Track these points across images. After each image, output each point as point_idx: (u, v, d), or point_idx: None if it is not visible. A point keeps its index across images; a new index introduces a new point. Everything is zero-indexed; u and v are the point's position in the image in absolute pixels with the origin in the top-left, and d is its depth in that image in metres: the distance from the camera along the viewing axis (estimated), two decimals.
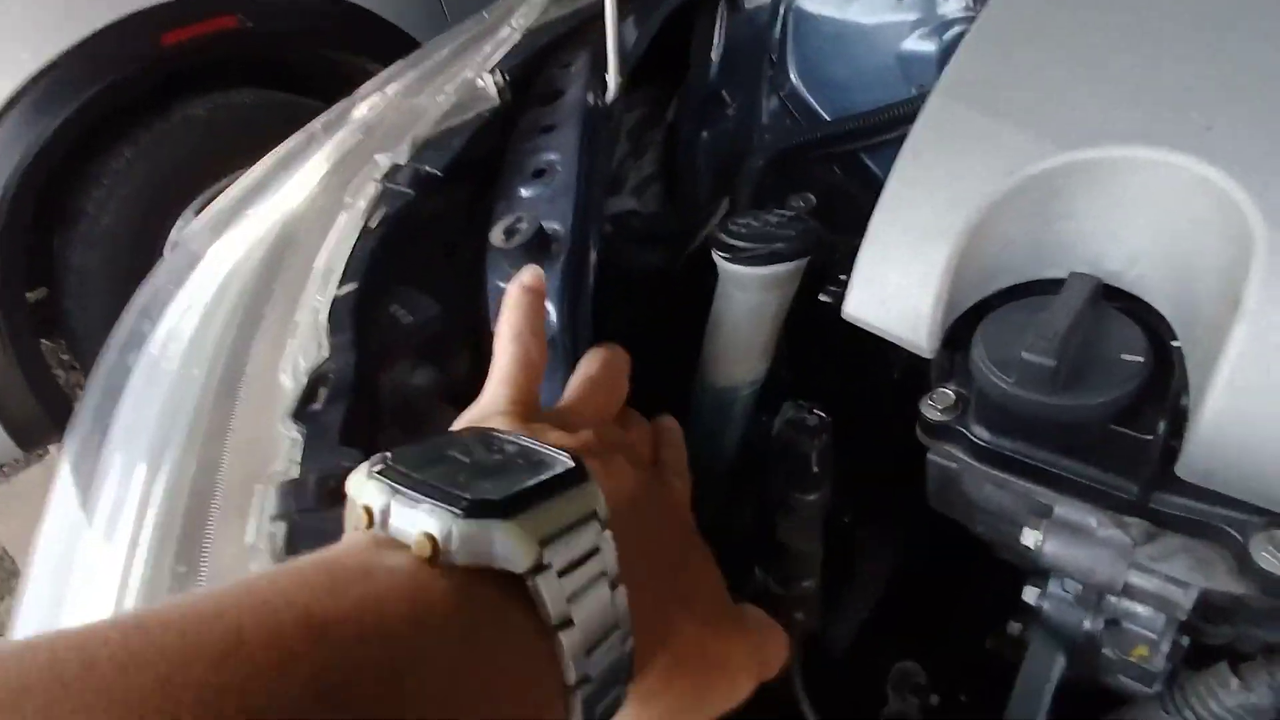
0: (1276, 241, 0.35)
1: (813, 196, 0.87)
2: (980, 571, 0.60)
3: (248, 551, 0.36)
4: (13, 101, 1.52)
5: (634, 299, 0.82)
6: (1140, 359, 0.40)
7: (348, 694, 0.19)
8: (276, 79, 1.89)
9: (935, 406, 0.48)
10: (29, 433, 1.67)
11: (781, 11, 0.91)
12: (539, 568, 0.23)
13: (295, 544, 0.36)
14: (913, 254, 0.46)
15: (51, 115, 1.58)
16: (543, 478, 0.25)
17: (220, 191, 1.91)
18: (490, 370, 0.40)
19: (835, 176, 0.89)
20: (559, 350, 0.49)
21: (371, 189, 0.54)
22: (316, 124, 0.66)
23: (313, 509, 0.36)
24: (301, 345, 0.44)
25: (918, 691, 0.57)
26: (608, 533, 0.26)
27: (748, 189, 0.83)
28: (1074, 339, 0.41)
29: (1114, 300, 0.45)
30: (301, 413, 0.40)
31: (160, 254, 1.74)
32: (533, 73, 0.68)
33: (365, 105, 0.65)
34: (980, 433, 0.47)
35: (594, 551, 0.25)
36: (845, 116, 0.88)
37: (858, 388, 0.67)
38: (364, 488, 0.25)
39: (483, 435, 0.29)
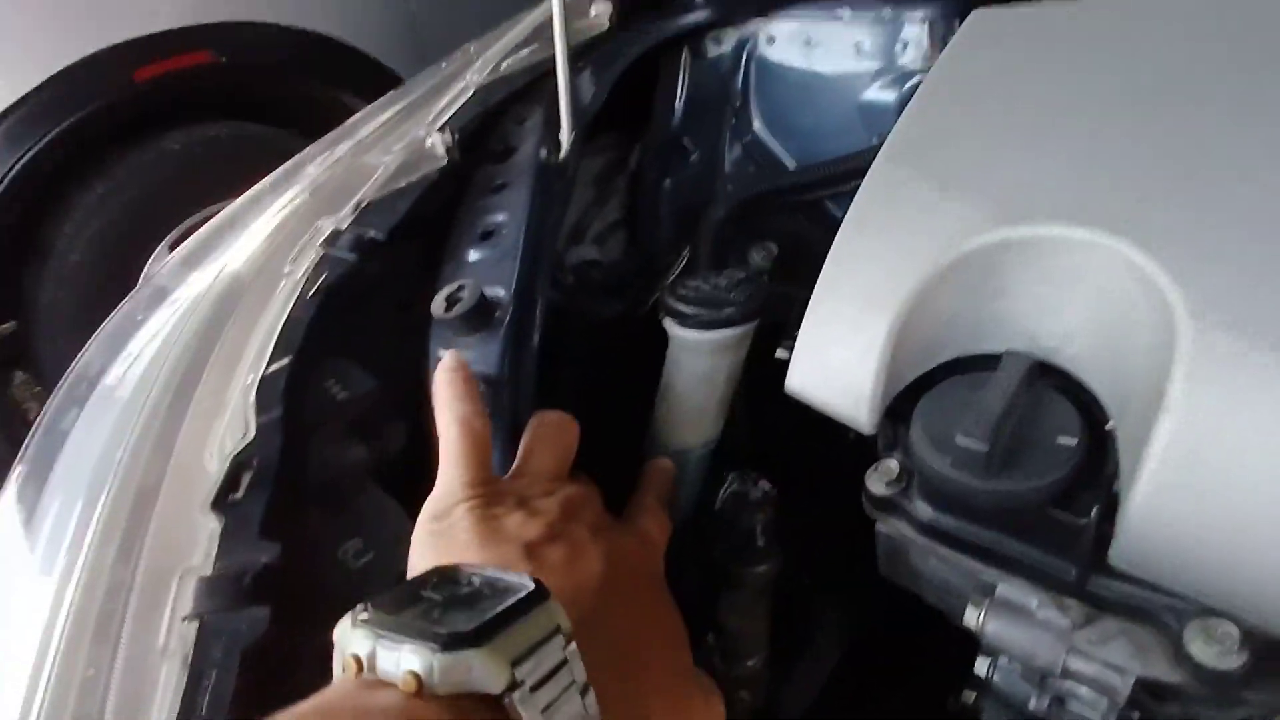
0: (1200, 336, 0.35)
1: (774, 246, 0.87)
2: (937, 638, 0.59)
3: (159, 654, 0.35)
4: None
5: (594, 349, 0.82)
6: (1074, 442, 0.40)
7: None
8: (252, 111, 1.88)
9: (880, 480, 0.48)
10: None
11: (744, 60, 0.91)
12: (513, 686, 0.26)
13: (206, 644, 0.35)
14: (853, 329, 0.46)
15: (21, 148, 1.57)
16: (508, 604, 0.28)
17: (196, 226, 1.90)
18: (440, 454, 0.41)
19: (799, 224, 0.89)
20: (501, 419, 0.48)
21: (312, 255, 0.53)
22: (266, 182, 0.66)
23: (225, 609, 0.35)
24: (229, 426, 0.43)
25: None
26: (572, 645, 0.29)
27: (709, 239, 0.83)
28: (1008, 422, 0.40)
29: (1053, 377, 0.45)
30: (221, 502, 0.39)
31: (132, 289, 1.72)
32: (486, 129, 0.67)
33: (314, 164, 0.64)
34: (923, 508, 0.46)
35: (562, 664, 0.28)
36: (807, 166, 0.88)
37: (816, 447, 0.66)
38: (350, 637, 0.28)
39: (450, 572, 0.31)
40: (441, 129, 0.62)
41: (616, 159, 1.00)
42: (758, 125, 0.92)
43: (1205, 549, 0.34)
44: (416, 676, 0.25)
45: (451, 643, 0.25)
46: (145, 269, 1.76)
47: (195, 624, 0.35)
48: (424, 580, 0.30)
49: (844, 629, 0.64)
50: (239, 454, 0.41)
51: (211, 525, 0.38)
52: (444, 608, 0.28)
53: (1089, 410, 0.42)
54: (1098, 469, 0.40)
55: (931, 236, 0.45)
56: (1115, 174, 0.42)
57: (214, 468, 0.41)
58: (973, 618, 0.45)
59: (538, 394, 0.69)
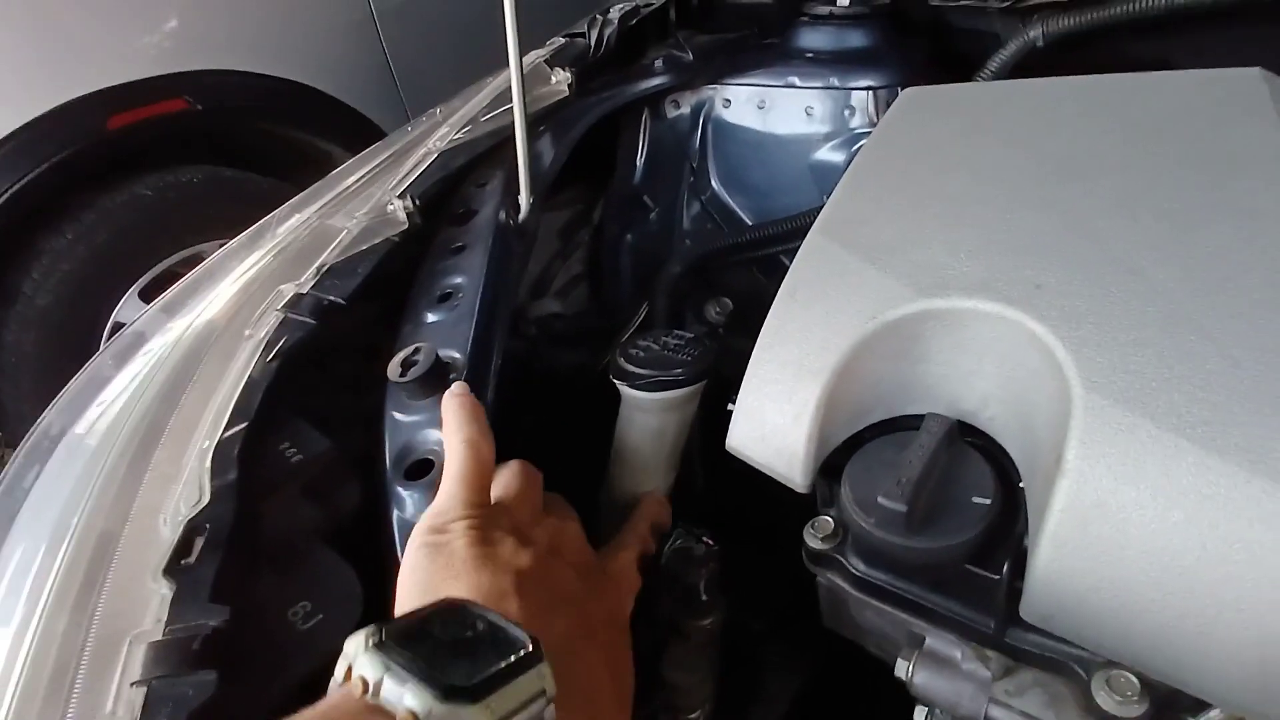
0: (1091, 404, 0.38)
1: (729, 301, 0.91)
2: (883, 688, 0.61)
3: (107, 718, 0.36)
4: None
5: (556, 397, 0.84)
6: (988, 502, 0.43)
7: None
8: (226, 156, 1.91)
9: (816, 535, 0.50)
10: None
11: (702, 121, 0.96)
12: None
13: (153, 709, 0.36)
14: (787, 393, 0.48)
15: None
16: (507, 662, 0.31)
17: (166, 273, 1.88)
18: (445, 470, 0.45)
19: (754, 279, 0.92)
20: None
21: (273, 319, 0.55)
22: (233, 244, 0.68)
23: (173, 674, 0.37)
24: (184, 490, 0.45)
25: None
26: (551, 707, 0.31)
27: (665, 294, 0.86)
28: (928, 482, 0.43)
29: (974, 437, 0.47)
30: (174, 567, 0.41)
31: (100, 335, 1.72)
32: (448, 192, 0.70)
33: (279, 228, 0.66)
34: (856, 563, 0.49)
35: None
36: (760, 224, 0.92)
37: (766, 497, 0.68)
38: (360, 659, 0.30)
39: (457, 612, 0.33)
40: (403, 195, 0.65)
41: (581, 212, 1.04)
42: (715, 183, 0.96)
43: (1100, 605, 0.37)
44: (414, 715, 0.28)
45: (450, 694, 0.28)
46: (113, 315, 1.75)
47: (143, 689, 0.36)
48: (432, 616, 0.32)
49: (794, 677, 0.66)
50: (193, 519, 0.43)
51: (163, 590, 0.40)
52: (450, 650, 0.30)
53: (1005, 470, 0.45)
54: (1010, 527, 0.43)
55: (858, 307, 0.48)
56: (1021, 253, 0.45)
57: (167, 533, 0.43)
58: (903, 669, 0.47)
59: (500, 440, 0.71)
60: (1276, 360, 0.36)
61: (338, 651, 0.42)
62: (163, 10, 1.76)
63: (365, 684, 0.29)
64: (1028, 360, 0.42)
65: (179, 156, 1.84)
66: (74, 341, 1.69)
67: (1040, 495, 0.40)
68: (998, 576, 0.42)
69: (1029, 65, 0.85)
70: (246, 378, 0.51)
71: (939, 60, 0.93)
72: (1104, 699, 0.39)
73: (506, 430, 0.76)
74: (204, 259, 1.88)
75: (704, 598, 0.52)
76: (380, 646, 0.30)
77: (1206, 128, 0.47)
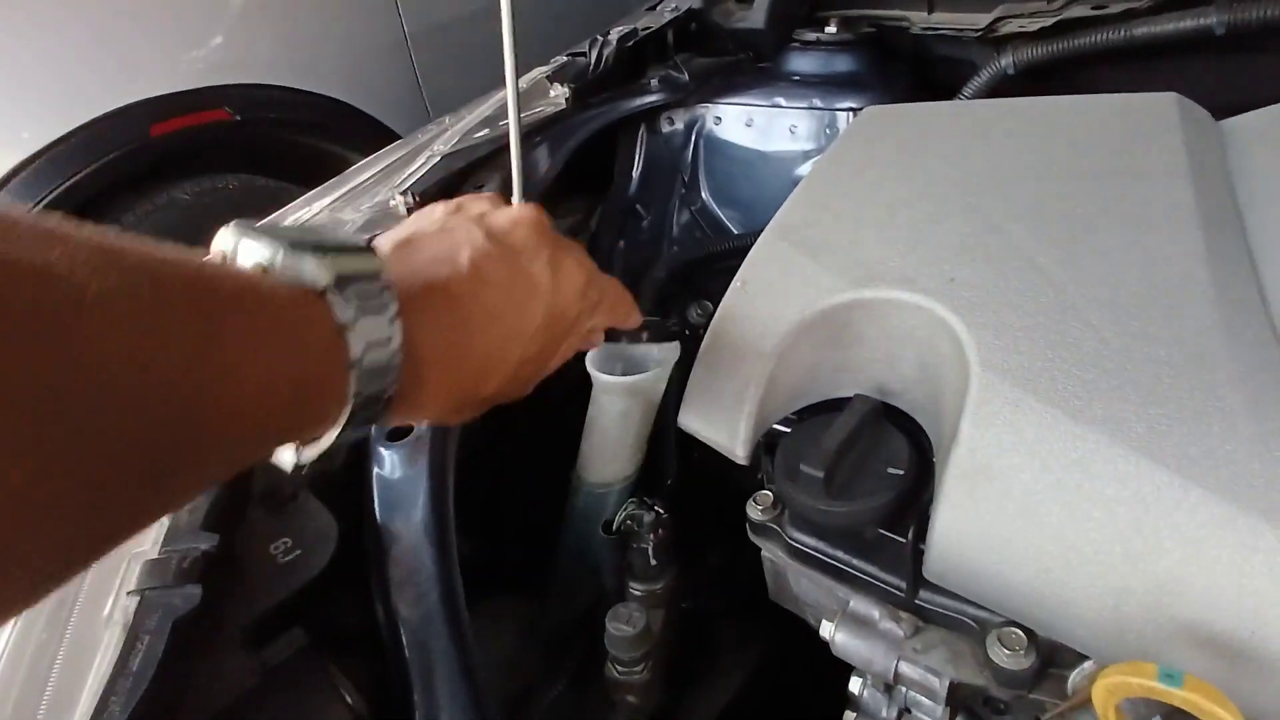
0: (986, 381, 0.42)
1: (710, 304, 0.96)
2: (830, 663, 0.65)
3: (103, 621, 0.42)
4: (6, 179, 1.62)
5: (547, 392, 0.89)
6: (901, 472, 0.47)
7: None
8: (262, 165, 2.00)
9: (758, 507, 0.55)
10: None
11: (694, 137, 1.02)
12: (333, 288, 0.31)
13: (144, 615, 0.41)
14: (733, 373, 0.53)
15: (38, 192, 1.68)
16: (351, 243, 0.33)
17: None
18: None
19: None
20: (427, 450, 0.55)
21: None
22: None
23: (166, 585, 0.42)
24: None
25: None
26: (390, 295, 0.33)
27: (650, 296, 0.91)
28: (847, 454, 0.47)
29: (899, 418, 0.52)
30: None
31: None
32: (446, 192, 0.76)
33: (291, 218, 0.73)
34: (792, 533, 0.53)
35: (381, 293, 0.32)
36: (743, 233, 0.97)
37: (731, 485, 0.73)
38: (221, 237, 0.33)
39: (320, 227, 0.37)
40: (405, 191, 0.71)
41: (580, 220, 1.09)
42: (705, 194, 1.02)
43: (988, 562, 0.41)
44: (262, 267, 0.31)
45: (295, 246, 0.31)
46: None
47: (136, 598, 0.41)
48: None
49: (749, 656, 0.70)
50: None
51: (164, 520, 0.45)
52: (302, 232, 0.33)
53: (921, 446, 0.49)
54: (920, 495, 0.47)
55: (798, 296, 0.52)
56: (941, 251, 0.50)
57: None
58: (827, 630, 0.51)
59: (493, 431, 0.76)
60: (1141, 345, 0.40)
61: (311, 582, 0.48)
62: (208, 26, 1.87)
63: (224, 256, 0.32)
64: (940, 345, 0.47)
65: (217, 165, 1.93)
66: None
67: (943, 465, 0.44)
68: (906, 540, 0.46)
69: (1004, 91, 0.90)
70: None
71: (920, 85, 0.98)
72: (996, 653, 0.43)
73: (500, 423, 0.82)
74: None
75: (653, 562, 0.56)
76: (238, 226, 0.32)
77: (1117, 144, 0.51)
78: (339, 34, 2.07)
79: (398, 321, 0.33)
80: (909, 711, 0.52)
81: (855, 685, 0.56)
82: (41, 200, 1.70)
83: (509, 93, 0.71)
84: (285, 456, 0.35)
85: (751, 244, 0.93)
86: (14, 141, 1.69)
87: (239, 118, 1.91)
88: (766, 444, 0.54)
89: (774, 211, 0.98)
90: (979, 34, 0.90)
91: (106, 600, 0.43)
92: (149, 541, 0.45)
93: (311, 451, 0.35)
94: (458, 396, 0.39)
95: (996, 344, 0.43)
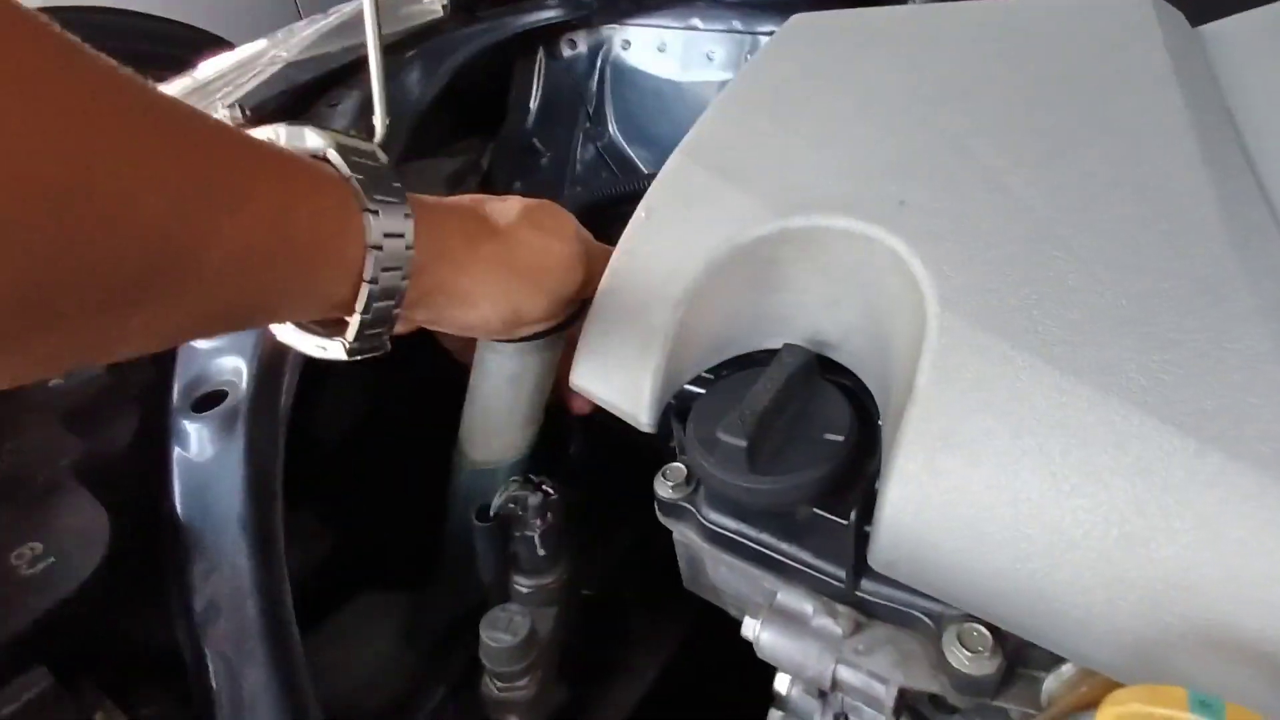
0: (946, 323, 0.34)
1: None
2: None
3: None
4: None
5: (436, 352, 0.77)
6: (840, 439, 0.38)
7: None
8: None
9: (667, 483, 0.45)
10: None
11: (600, 64, 0.90)
12: (334, 151, 0.34)
13: None
14: (633, 323, 0.43)
15: None
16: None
17: None
18: None
19: None
20: (244, 422, 0.43)
21: None
22: None
23: None
24: None
25: None
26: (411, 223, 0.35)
27: None
28: (775, 418, 0.38)
29: (838, 374, 0.43)
30: None
31: None
32: (292, 107, 0.62)
33: None
34: (708, 513, 0.44)
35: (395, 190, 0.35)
36: (652, 173, 0.87)
37: (643, 457, 0.64)
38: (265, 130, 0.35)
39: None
40: (232, 105, 0.57)
41: (471, 162, 0.96)
42: (612, 128, 0.91)
43: (949, 548, 0.33)
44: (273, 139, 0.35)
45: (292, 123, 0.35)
46: None
47: None
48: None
49: (661, 649, 0.61)
50: None
51: None
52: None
53: (865, 408, 0.41)
54: (863, 467, 0.39)
55: (714, 229, 0.43)
56: (889, 172, 0.41)
57: None
58: (750, 629, 0.42)
59: (372, 398, 0.64)
60: (1138, 278, 0.32)
61: (70, 599, 0.36)
62: None
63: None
64: (889, 284, 0.38)
65: None
66: None
67: (893, 430, 0.36)
68: (847, 521, 0.38)
69: None
70: None
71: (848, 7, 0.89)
72: (954, 655, 0.35)
73: (382, 386, 0.69)
74: None
75: (541, 552, 0.46)
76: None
77: (1091, 50, 0.43)
78: None
79: (407, 200, 0.35)
80: (846, 717, 0.44)
81: (782, 684, 0.48)
82: None
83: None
84: (315, 347, 0.36)
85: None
86: None
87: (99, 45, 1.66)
88: (678, 408, 0.45)
89: None
90: None
91: None
92: None
93: (337, 344, 0.35)
94: (505, 300, 0.42)
95: (959, 279, 0.35)
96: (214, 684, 0.37)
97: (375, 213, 0.33)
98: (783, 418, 0.39)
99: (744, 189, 0.44)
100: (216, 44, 1.84)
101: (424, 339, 0.77)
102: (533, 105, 0.90)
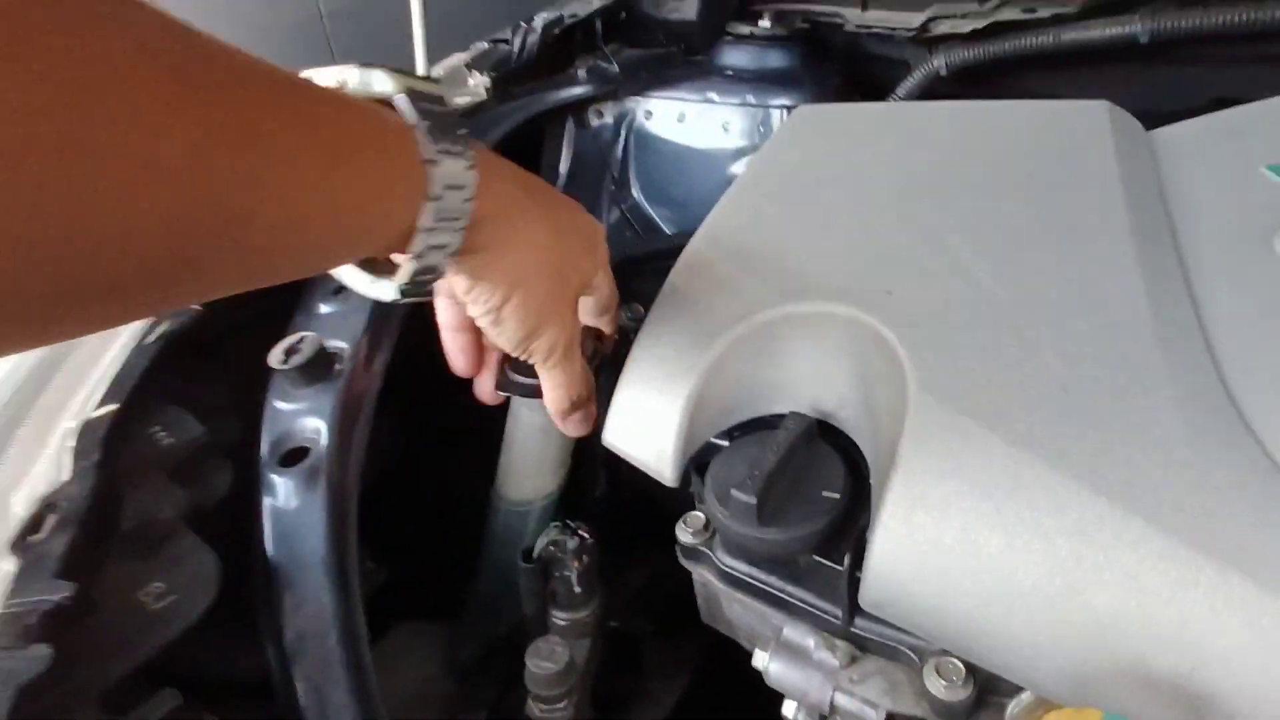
0: (923, 401, 0.40)
1: (641, 308, 0.92)
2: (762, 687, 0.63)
3: None
4: None
5: (453, 391, 0.84)
6: (836, 496, 0.45)
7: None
8: None
9: (688, 530, 0.52)
10: None
11: (624, 131, 0.98)
12: (403, 97, 0.34)
13: None
14: (660, 389, 0.50)
15: None
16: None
17: None
18: None
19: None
20: (325, 476, 0.50)
21: None
22: None
23: (8, 647, 0.36)
24: (45, 469, 0.44)
25: None
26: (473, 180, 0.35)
27: None
28: (780, 478, 0.45)
29: (835, 436, 0.50)
30: (19, 543, 0.40)
31: None
32: None
33: None
34: (723, 557, 0.50)
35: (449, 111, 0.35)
36: (674, 234, 0.94)
37: (660, 501, 0.70)
38: (336, 72, 0.35)
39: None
40: None
41: None
42: (636, 192, 0.98)
43: (925, 592, 0.39)
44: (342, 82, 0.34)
45: (365, 66, 0.34)
46: None
47: None
48: None
49: (678, 678, 0.67)
50: (48, 497, 0.42)
51: (6, 567, 0.39)
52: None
53: (857, 467, 0.47)
54: (855, 520, 0.45)
55: (728, 309, 0.50)
56: (877, 262, 0.48)
57: (20, 510, 0.42)
58: (761, 659, 0.49)
59: (393, 433, 0.71)
60: (1079, 366, 0.38)
61: (187, 631, 0.42)
62: None
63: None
64: (876, 362, 0.45)
65: None
66: None
67: (879, 489, 0.42)
68: (841, 567, 0.44)
69: (937, 91, 0.89)
70: (124, 359, 0.51)
71: (853, 83, 0.97)
72: (933, 684, 0.41)
73: (416, 428, 0.76)
74: None
75: (577, 590, 0.53)
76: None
77: (1051, 154, 0.50)
78: (251, 11, 1.95)
79: (470, 149, 0.34)
80: None
81: (789, 710, 0.54)
82: None
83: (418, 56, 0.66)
84: (366, 284, 0.37)
85: (684, 244, 0.91)
86: None
87: None
88: (696, 462, 0.51)
89: (707, 210, 0.95)
90: (912, 34, 0.89)
91: None
92: None
93: (388, 285, 0.36)
94: (549, 265, 0.42)
95: (934, 363, 0.41)
96: (302, 703, 0.44)
97: (436, 163, 0.33)
98: (786, 477, 0.45)
99: (754, 274, 0.51)
100: None
101: (450, 387, 0.85)
102: (562, 169, 0.98)
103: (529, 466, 0.62)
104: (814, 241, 0.51)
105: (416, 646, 0.69)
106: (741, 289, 0.50)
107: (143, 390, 0.50)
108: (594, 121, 0.98)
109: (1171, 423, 0.35)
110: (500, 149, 0.87)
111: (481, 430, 0.68)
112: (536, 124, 0.97)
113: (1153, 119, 0.55)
